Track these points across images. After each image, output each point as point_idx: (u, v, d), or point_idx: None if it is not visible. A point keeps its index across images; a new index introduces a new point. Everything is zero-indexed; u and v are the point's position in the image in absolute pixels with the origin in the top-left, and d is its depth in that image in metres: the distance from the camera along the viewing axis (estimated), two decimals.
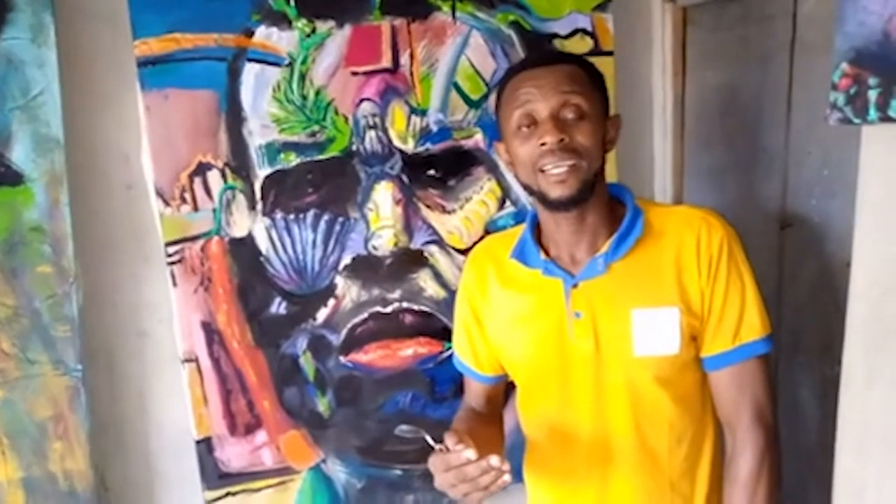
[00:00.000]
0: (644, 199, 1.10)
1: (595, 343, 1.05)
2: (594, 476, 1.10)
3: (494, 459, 0.90)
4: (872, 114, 0.82)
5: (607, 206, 1.07)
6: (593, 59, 1.36)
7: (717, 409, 1.08)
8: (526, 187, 1.07)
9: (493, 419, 1.24)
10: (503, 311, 1.14)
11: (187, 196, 1.21)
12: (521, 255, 1.11)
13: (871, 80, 0.81)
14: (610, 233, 1.06)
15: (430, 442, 0.98)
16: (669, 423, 1.06)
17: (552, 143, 0.97)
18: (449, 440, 0.95)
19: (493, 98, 1.33)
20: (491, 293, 1.15)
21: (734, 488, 1.05)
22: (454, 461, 0.93)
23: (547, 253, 1.09)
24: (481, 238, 1.37)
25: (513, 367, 1.18)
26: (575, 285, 1.06)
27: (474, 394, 1.26)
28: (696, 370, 1.07)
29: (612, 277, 1.04)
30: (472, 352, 1.21)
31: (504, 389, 1.29)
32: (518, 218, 1.39)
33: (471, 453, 0.91)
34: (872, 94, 0.81)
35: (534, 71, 1.02)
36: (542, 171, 1.00)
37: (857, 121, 0.84)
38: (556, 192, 1.00)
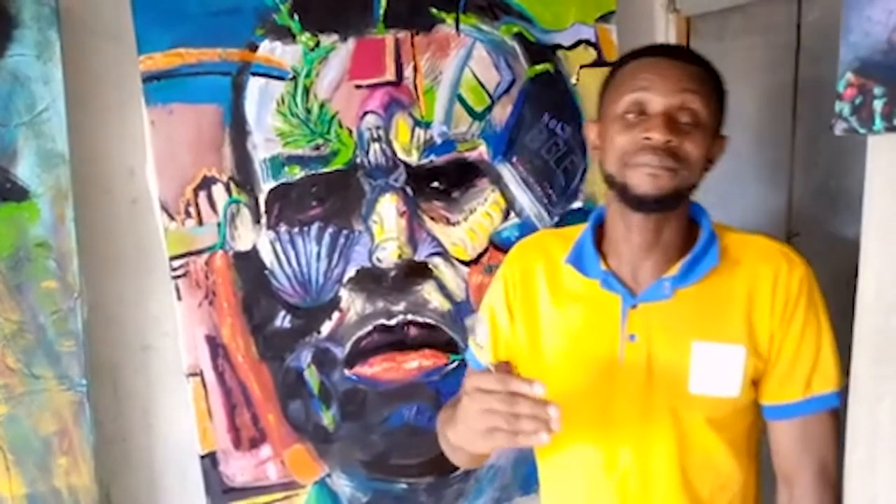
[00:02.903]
0: (720, 224, 1.01)
1: (647, 372, 0.96)
2: None
3: (554, 409, 0.78)
4: (878, 124, 0.81)
5: (686, 225, 0.99)
6: (597, 71, 1.38)
7: (774, 459, 0.99)
8: (608, 177, 0.96)
9: None
10: (547, 319, 1.04)
11: (192, 210, 1.21)
12: (577, 260, 1.01)
13: (877, 90, 0.80)
14: (681, 254, 0.96)
15: (480, 344, 0.87)
16: (716, 467, 0.97)
17: (658, 142, 0.88)
18: (506, 367, 0.85)
19: (496, 110, 1.35)
20: (537, 293, 1.05)
21: None
22: (515, 386, 0.79)
23: (606, 263, 1.00)
24: (486, 250, 1.37)
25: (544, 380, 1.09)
26: (634, 306, 0.96)
27: None
28: (750, 414, 0.98)
29: (677, 304, 0.95)
30: (492, 346, 1.10)
31: None
32: (522, 230, 1.38)
33: (540, 388, 0.79)
34: (878, 104, 0.81)
35: (660, 60, 0.93)
36: (636, 165, 0.90)
37: (862, 131, 0.83)
38: (643, 187, 0.90)
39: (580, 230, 1.03)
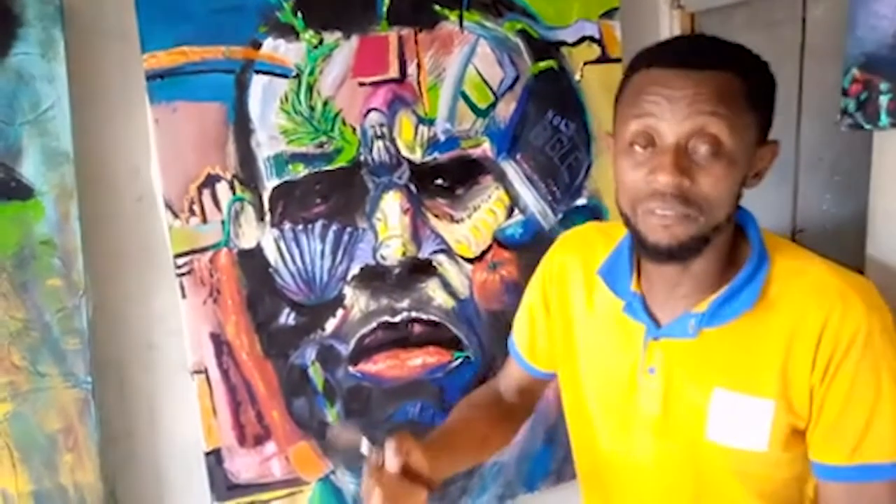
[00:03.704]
0: (774, 237, 0.86)
1: (664, 408, 0.88)
2: None
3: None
4: (884, 119, 0.81)
5: (726, 249, 0.84)
6: (600, 67, 1.38)
7: None
8: (622, 215, 0.84)
9: (504, 417, 1.08)
10: (581, 322, 0.98)
11: (196, 208, 1.21)
12: (608, 274, 0.91)
13: (882, 86, 0.80)
14: (719, 282, 0.83)
15: (364, 449, 0.93)
16: None
17: (665, 186, 0.75)
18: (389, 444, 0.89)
19: (499, 107, 1.34)
20: (573, 292, 0.98)
21: None
22: (372, 464, 0.89)
23: (639, 282, 0.89)
24: (490, 247, 1.37)
25: (570, 386, 1.03)
26: (656, 338, 0.87)
27: (508, 377, 1.12)
28: (792, 466, 0.85)
29: (701, 344, 0.84)
30: (529, 339, 1.06)
31: (544, 388, 1.16)
32: (526, 227, 1.38)
33: (364, 444, 0.87)
34: (883, 100, 0.80)
35: (673, 72, 0.76)
36: (646, 212, 0.79)
37: (868, 126, 0.83)
38: (654, 237, 0.78)
39: (623, 233, 0.91)
